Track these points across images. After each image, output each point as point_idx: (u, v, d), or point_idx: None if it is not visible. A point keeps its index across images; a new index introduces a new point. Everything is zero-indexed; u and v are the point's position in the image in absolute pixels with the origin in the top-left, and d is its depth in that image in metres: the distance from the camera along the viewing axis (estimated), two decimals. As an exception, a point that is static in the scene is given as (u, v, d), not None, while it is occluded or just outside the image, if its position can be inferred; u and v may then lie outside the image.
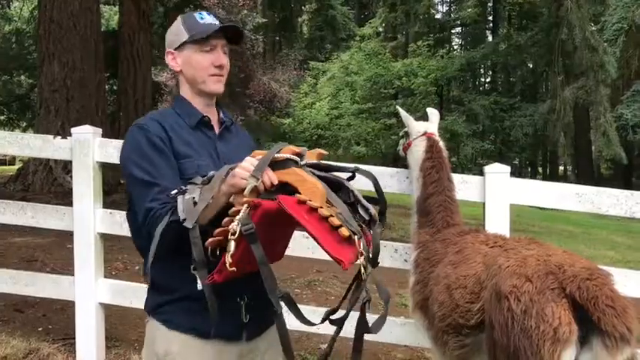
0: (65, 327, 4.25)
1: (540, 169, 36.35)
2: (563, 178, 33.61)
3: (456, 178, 3.24)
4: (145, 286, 4.05)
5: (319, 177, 1.80)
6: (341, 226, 1.65)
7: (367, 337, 3.61)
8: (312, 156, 1.90)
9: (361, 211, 1.84)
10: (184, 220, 1.69)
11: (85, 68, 10.10)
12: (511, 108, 25.02)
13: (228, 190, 1.74)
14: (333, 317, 1.97)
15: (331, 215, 1.66)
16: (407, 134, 3.31)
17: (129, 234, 3.76)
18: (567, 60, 20.46)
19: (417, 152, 3.17)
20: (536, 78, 30.84)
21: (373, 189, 2.09)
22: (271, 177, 1.71)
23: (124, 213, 3.83)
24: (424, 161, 3.12)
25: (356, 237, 1.66)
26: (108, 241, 5.38)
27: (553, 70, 20.90)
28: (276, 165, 1.75)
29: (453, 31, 35.45)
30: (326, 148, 22.94)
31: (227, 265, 1.63)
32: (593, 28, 19.52)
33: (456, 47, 35.51)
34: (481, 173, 3.39)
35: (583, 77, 19.07)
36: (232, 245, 1.63)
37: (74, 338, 3.85)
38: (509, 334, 2.04)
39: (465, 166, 22.75)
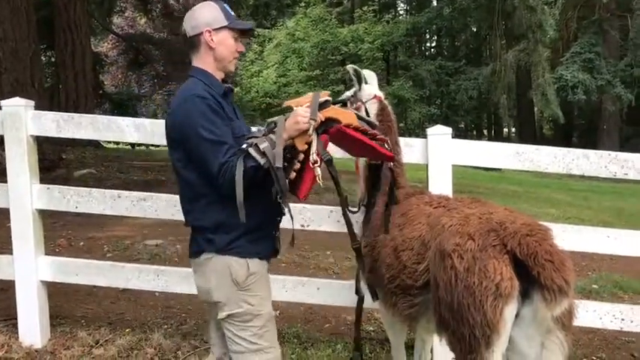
0: (7, 307, 4.10)
1: (485, 132, 37.09)
2: (508, 140, 34.47)
3: (400, 141, 3.25)
4: (90, 261, 3.96)
5: None
6: (375, 136, 2.47)
7: (316, 301, 3.67)
8: (324, 95, 2.42)
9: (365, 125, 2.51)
10: (266, 162, 2.21)
11: (17, 39, 9.59)
12: (456, 72, 25.35)
13: (291, 135, 2.28)
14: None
15: (368, 131, 2.43)
16: (354, 98, 3.24)
17: (70, 209, 3.70)
18: (508, 22, 20.77)
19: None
20: (480, 41, 31.26)
21: None
22: (320, 116, 2.29)
23: (65, 188, 3.74)
24: None
25: (386, 144, 2.55)
26: (49, 217, 5.23)
27: (494, 33, 21.25)
28: (320, 106, 2.33)
29: (398, -4, 35.38)
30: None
31: (320, 183, 2.26)
32: (533, -11, 19.80)
33: (401, 12, 35.37)
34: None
35: (524, 40, 19.45)
36: (319, 170, 2.22)
37: (17, 318, 3.74)
38: (452, 292, 2.08)
39: (412, 131, 23.04)
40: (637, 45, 21.95)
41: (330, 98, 2.42)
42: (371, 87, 3.20)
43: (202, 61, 2.48)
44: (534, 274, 1.98)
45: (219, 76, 2.52)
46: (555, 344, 2.08)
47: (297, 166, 2.30)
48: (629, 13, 22.13)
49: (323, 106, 2.36)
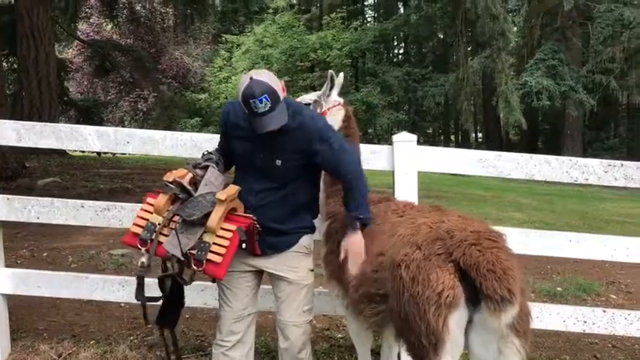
0: (-34, 322, 3.99)
1: (453, 138, 37.53)
2: (474, 146, 34.94)
3: (366, 148, 3.27)
4: (52, 272, 3.86)
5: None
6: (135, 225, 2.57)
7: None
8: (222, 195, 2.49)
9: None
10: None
11: (-23, 46, 9.42)
12: (423, 78, 25.63)
13: None
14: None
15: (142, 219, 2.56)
16: (317, 103, 3.15)
17: (31, 220, 3.61)
18: (473, 30, 21.11)
19: (333, 121, 3.08)
20: (446, 48, 31.70)
21: None
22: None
23: (25, 198, 3.66)
24: (339, 130, 3.08)
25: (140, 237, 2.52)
26: (11, 228, 5.09)
27: (458, 40, 21.58)
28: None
29: (365, 3, 35.64)
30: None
31: None
32: (496, -2, 20.15)
33: (369, 19, 35.68)
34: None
35: (490, 47, 19.81)
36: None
37: (-25, 333, 3.64)
38: (400, 301, 2.10)
39: (381, 136, 23.22)
40: (598, 52, 22.50)
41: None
42: (335, 95, 3.18)
43: None
44: (477, 284, 1.98)
45: None
46: (511, 350, 2.08)
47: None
48: (590, 20, 22.69)
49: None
